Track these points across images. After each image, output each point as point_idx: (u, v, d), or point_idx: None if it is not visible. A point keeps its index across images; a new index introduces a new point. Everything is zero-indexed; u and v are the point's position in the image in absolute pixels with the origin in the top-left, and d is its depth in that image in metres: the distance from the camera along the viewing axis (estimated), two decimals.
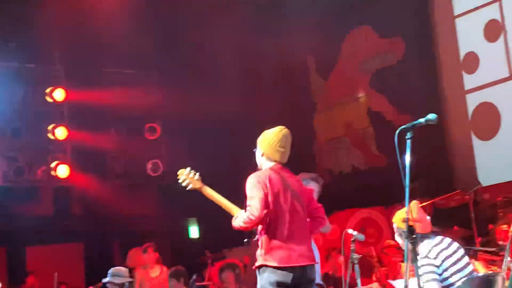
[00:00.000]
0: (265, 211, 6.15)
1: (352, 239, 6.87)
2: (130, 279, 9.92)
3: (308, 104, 15.92)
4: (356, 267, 6.77)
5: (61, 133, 14.71)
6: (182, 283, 10.83)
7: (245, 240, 6.38)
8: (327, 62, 15.53)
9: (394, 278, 10.65)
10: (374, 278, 10.90)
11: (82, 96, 14.70)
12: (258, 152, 6.51)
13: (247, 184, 6.26)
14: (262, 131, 6.50)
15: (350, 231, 6.94)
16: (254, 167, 6.51)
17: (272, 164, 6.39)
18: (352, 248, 6.83)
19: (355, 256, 6.76)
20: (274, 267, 6.11)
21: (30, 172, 14.64)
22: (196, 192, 6.54)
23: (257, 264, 6.25)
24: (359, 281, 6.84)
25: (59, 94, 14.75)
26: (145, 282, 11.89)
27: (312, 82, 15.99)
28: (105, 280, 9.89)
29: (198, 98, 14.63)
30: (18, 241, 15.64)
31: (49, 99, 14.74)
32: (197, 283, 10.44)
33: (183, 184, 6.59)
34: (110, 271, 9.92)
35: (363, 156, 15.01)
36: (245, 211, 6.19)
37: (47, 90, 14.73)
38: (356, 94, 15.14)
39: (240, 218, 6.26)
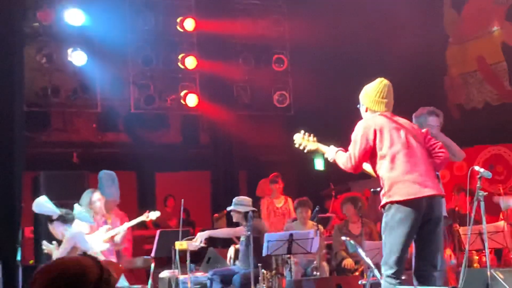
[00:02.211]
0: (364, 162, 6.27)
1: (479, 176, 6.70)
2: (253, 208, 10.07)
3: (440, 37, 15.48)
4: (482, 204, 6.60)
5: (190, 62, 14.89)
6: (307, 214, 10.93)
7: (372, 190, 6.39)
8: None
9: None
10: (501, 217, 10.66)
11: (211, 26, 14.80)
12: (362, 108, 6.52)
13: (354, 131, 6.28)
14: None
15: (477, 168, 6.76)
16: None
17: (378, 113, 6.38)
18: (478, 185, 6.66)
19: (481, 193, 6.59)
20: (399, 202, 6.04)
21: (160, 100, 14.92)
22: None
23: (382, 203, 6.21)
24: (484, 219, 6.68)
25: (189, 24, 14.87)
26: (270, 212, 12.09)
27: (445, 14, 15.51)
28: (229, 208, 10.10)
29: (327, 30, 14.46)
30: (148, 166, 16.12)
31: (179, 29, 14.91)
32: (320, 215, 10.49)
33: (300, 148, 6.62)
34: (234, 200, 10.13)
35: (496, 91, 14.54)
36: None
37: (178, 20, 14.88)
38: (491, 27, 14.60)
39: (340, 159, 6.31)
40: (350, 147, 6.23)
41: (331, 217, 12.19)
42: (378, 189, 6.33)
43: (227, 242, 11.66)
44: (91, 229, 9.49)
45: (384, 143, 6.14)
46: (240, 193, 14.59)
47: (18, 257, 10.16)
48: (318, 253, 10.08)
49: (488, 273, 6.82)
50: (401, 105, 14.84)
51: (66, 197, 11.39)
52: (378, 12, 14.84)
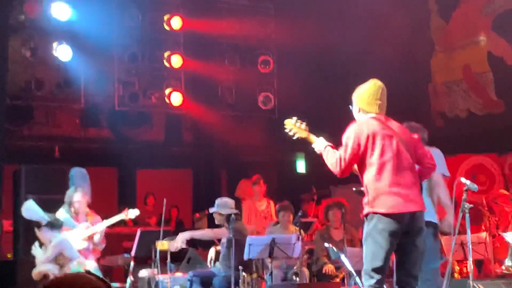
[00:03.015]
0: (354, 165, 6.18)
1: (465, 188, 6.70)
2: (236, 211, 10.03)
3: (426, 45, 15.52)
4: (467, 216, 6.61)
5: (176, 61, 14.83)
6: (289, 218, 10.91)
7: (354, 189, 6.32)
8: (449, 3, 15.06)
9: (505, 229, 10.45)
10: (483, 228, 10.69)
11: (198, 25, 14.78)
12: (355, 109, 6.44)
13: (345, 133, 6.21)
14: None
15: (463, 179, 6.76)
16: None
17: (370, 115, 6.31)
18: (464, 197, 6.66)
19: (467, 205, 6.60)
20: (382, 214, 6.03)
21: (144, 98, 14.86)
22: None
23: (364, 212, 6.18)
24: (469, 231, 6.70)
25: (176, 22, 14.82)
26: (252, 214, 12.05)
27: (432, 21, 15.55)
28: (211, 210, 10.05)
29: (314, 33, 14.45)
30: (130, 163, 16.06)
31: (166, 27, 14.84)
32: (302, 220, 10.47)
33: (290, 134, 6.56)
34: (217, 201, 10.06)
35: (480, 100, 14.60)
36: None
37: (165, 18, 14.82)
38: (477, 37, 14.66)
39: (329, 158, 6.23)
40: (341, 150, 6.16)
41: (313, 222, 12.17)
42: (362, 188, 6.27)
43: (207, 243, 11.62)
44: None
45: (375, 150, 6.08)
46: (222, 192, 14.59)
47: None
48: (299, 258, 10.05)
49: (471, 283, 6.82)
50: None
51: (46, 192, 11.37)
52: (365, 16, 14.87)
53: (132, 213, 10.02)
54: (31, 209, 9.07)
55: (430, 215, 7.01)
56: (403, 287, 6.20)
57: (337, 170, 6.15)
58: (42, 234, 8.89)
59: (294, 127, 6.56)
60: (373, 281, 6.07)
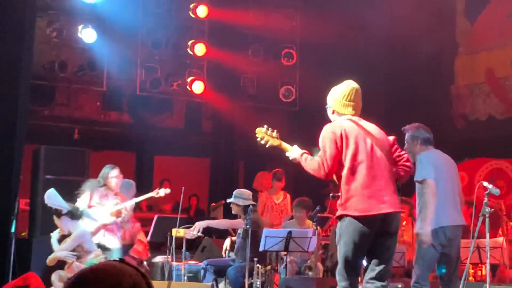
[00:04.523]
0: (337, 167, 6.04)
1: (486, 192, 6.68)
2: (253, 202, 10.04)
3: (451, 46, 15.46)
4: (487, 220, 6.59)
5: (200, 49, 14.84)
6: (306, 213, 10.91)
7: (331, 195, 6.27)
8: (476, 5, 14.98)
9: None
10: (500, 232, 10.65)
11: (224, 14, 14.77)
12: (329, 110, 6.38)
13: (320, 136, 6.11)
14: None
15: (485, 183, 6.74)
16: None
17: (345, 117, 6.24)
18: (485, 201, 6.64)
19: (488, 209, 6.57)
20: (354, 216, 5.98)
21: (166, 84, 14.88)
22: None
23: (337, 214, 6.15)
24: (488, 235, 6.68)
25: (202, 11, 14.82)
26: (268, 207, 12.04)
27: (457, 23, 15.48)
28: (229, 200, 10.05)
29: (338, 27, 14.42)
30: (148, 149, 16.11)
31: (191, 15, 14.85)
32: (319, 215, 10.44)
33: (262, 142, 6.42)
34: (235, 192, 10.07)
35: (502, 105, 14.54)
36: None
37: (191, 6, 14.82)
38: (503, 41, 14.58)
39: (309, 165, 6.11)
40: (321, 154, 6.06)
41: (330, 218, 12.15)
42: (339, 194, 6.21)
43: (222, 233, 11.65)
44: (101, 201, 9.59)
45: (348, 151, 6.00)
46: (239, 183, 14.59)
47: (13, 229, 10.17)
48: (314, 253, 10.05)
49: (487, 287, 6.81)
50: (407, 108, 14.86)
51: (65, 173, 11.43)
52: (390, 13, 14.82)
53: (163, 192, 10.13)
54: (52, 197, 9.15)
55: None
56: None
57: (321, 173, 6.02)
58: (62, 223, 8.97)
59: (265, 135, 6.44)
60: (346, 283, 6.06)
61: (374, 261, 6.13)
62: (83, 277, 2.18)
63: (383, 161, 6.10)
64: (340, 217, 6.09)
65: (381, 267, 6.11)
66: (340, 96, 6.27)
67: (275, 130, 6.49)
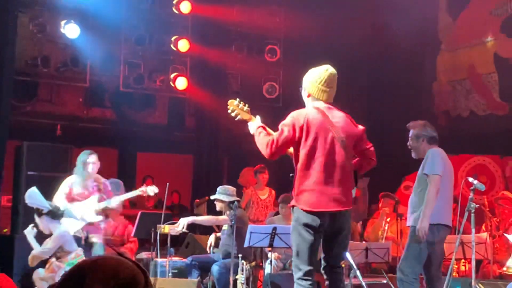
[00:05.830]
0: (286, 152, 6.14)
1: (472, 188, 6.72)
2: (238, 198, 10.04)
3: (433, 42, 15.52)
4: (472, 216, 6.63)
5: (183, 45, 14.79)
6: (289, 211, 10.91)
7: (291, 175, 6.26)
8: (459, 2, 15.05)
9: (505, 231, 10.48)
10: (483, 228, 10.72)
11: (207, 10, 14.74)
12: (304, 92, 6.32)
13: (287, 116, 6.12)
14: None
15: (470, 179, 6.77)
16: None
17: (318, 103, 6.18)
18: (470, 197, 6.68)
19: (473, 205, 6.61)
20: (303, 210, 6.03)
21: (149, 81, 14.83)
22: None
23: (291, 203, 6.22)
24: (473, 231, 6.71)
25: (185, 7, 14.75)
26: (253, 202, 12.05)
27: (440, 20, 15.54)
28: (213, 196, 10.04)
29: (321, 24, 14.44)
30: (131, 145, 16.05)
31: (175, 11, 14.80)
32: None
33: (232, 115, 6.48)
34: (219, 188, 10.06)
35: (483, 101, 14.62)
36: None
37: (174, 1, 14.77)
38: (484, 37, 14.66)
39: (260, 139, 6.15)
40: (277, 133, 6.08)
41: None
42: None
43: (206, 229, 11.64)
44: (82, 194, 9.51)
45: (305, 145, 6.01)
46: (223, 179, 14.58)
47: None
48: None
49: (473, 283, 6.83)
50: (390, 104, 14.92)
51: (47, 169, 11.38)
52: (373, 9, 14.87)
53: (151, 190, 9.95)
54: (33, 196, 9.08)
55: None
56: (326, 273, 6.25)
57: (266, 151, 6.05)
58: (42, 222, 8.90)
59: (236, 108, 6.48)
60: (301, 274, 6.08)
61: (327, 252, 6.20)
62: (82, 267, 2.22)
63: (340, 157, 6.07)
64: (293, 207, 6.16)
65: (334, 257, 6.20)
66: (318, 80, 6.17)
67: (247, 105, 6.51)
